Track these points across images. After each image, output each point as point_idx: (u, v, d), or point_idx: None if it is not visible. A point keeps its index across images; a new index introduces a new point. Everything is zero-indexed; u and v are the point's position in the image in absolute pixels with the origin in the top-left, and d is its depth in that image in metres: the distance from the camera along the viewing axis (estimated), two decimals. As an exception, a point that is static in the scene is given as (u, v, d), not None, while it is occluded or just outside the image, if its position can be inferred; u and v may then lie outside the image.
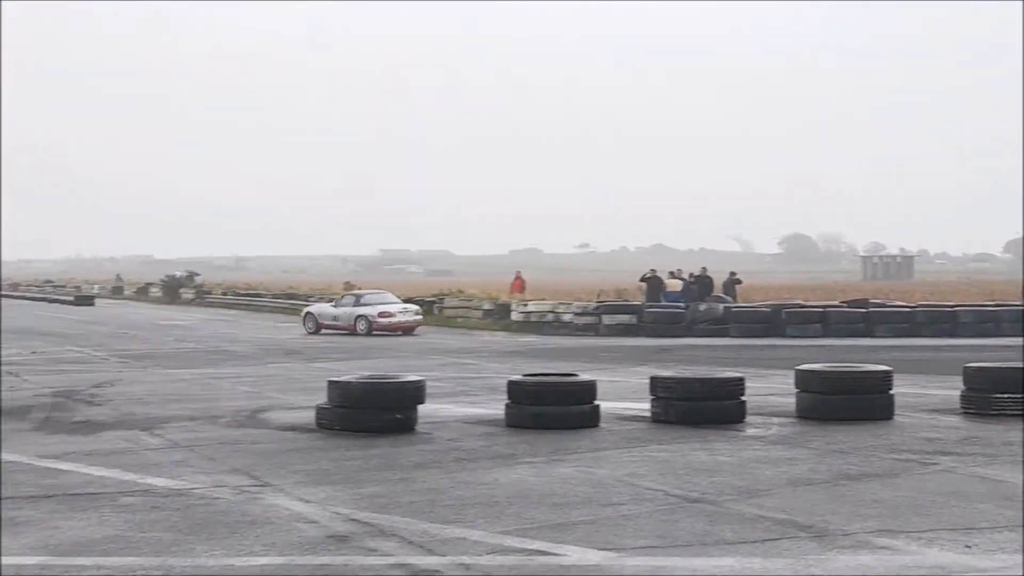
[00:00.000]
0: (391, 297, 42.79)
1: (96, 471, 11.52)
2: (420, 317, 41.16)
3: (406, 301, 43.36)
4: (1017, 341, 32.78)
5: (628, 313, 39.80)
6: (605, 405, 15.29)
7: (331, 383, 14.64)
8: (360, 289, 49.66)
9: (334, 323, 40.40)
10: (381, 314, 39.48)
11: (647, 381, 15.59)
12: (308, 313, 42.41)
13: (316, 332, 40.26)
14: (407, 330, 39.58)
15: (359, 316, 39.71)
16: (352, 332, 39.24)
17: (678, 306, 39.69)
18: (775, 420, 15.16)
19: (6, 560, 7.92)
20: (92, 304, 69.49)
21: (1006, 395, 15.37)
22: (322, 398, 14.87)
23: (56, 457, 12.40)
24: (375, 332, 38.80)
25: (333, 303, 43.10)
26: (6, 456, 12.47)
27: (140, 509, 9.68)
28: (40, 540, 8.55)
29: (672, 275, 43.64)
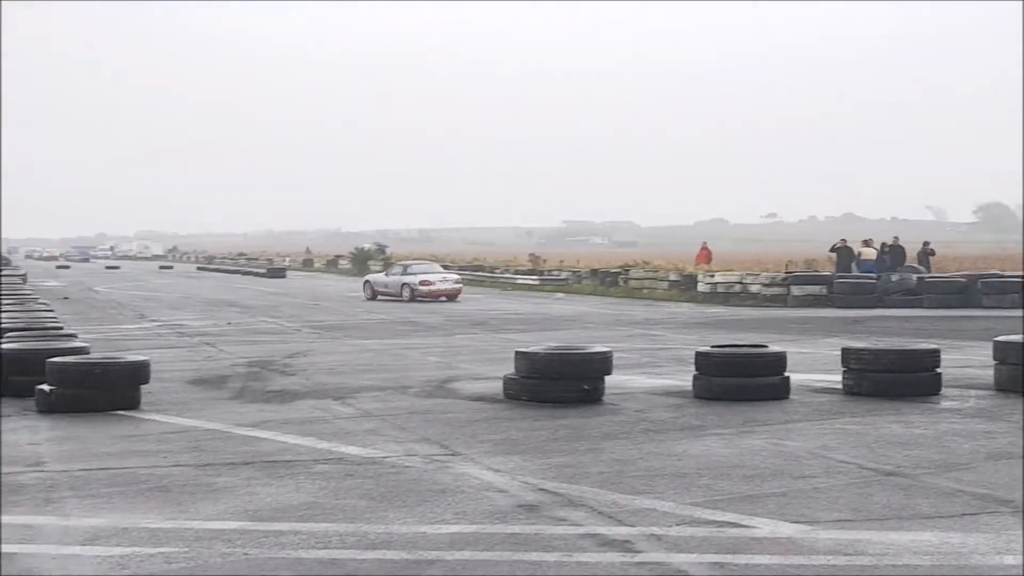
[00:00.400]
0: (435, 268, 46.89)
1: (291, 439, 11.78)
2: (459, 286, 44.35)
3: (591, 272, 43.73)
4: None
5: (818, 284, 39.10)
6: (795, 377, 15.07)
7: (518, 354, 14.70)
8: (543, 259, 49.80)
9: (385, 290, 43.94)
10: (422, 282, 42.81)
11: (838, 353, 15.32)
12: (367, 281, 46.29)
13: (373, 298, 43.67)
14: (450, 296, 42.84)
15: (404, 284, 43.13)
16: (398, 298, 42.47)
17: (869, 277, 38.86)
18: (972, 393, 14.76)
19: (208, 524, 8.14)
20: (284, 276, 71.16)
21: None
22: (509, 369, 14.95)
23: (253, 425, 12.71)
24: (417, 298, 41.83)
25: (385, 273, 47.37)
26: (207, 424, 12.83)
27: (334, 477, 9.86)
28: (239, 506, 8.77)
29: (866, 243, 42.69)
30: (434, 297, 42.30)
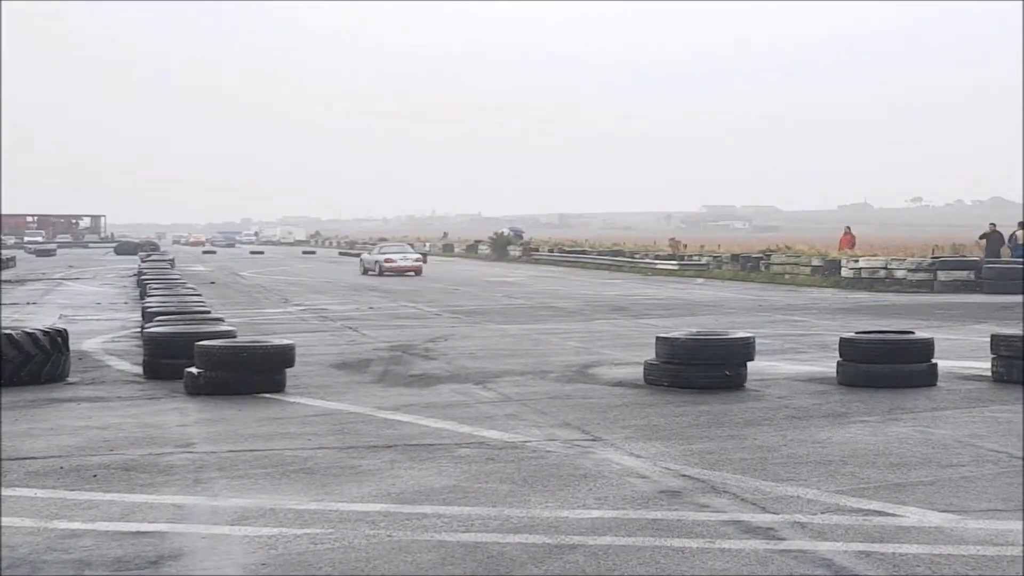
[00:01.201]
0: (404, 247, 57.73)
1: (433, 423, 11.87)
2: (420, 263, 53.54)
3: (732, 257, 43.82)
4: None
5: (965, 269, 38.30)
6: (943, 364, 14.78)
7: (659, 339, 14.63)
8: (683, 244, 49.68)
9: (368, 267, 53.47)
10: (387, 260, 52.02)
11: (987, 339, 14.98)
12: (360, 259, 57.57)
13: (364, 273, 52.99)
14: (415, 271, 51.59)
15: (376, 261, 52.56)
16: (374, 272, 51.54)
17: (1019, 262, 37.96)
18: None
19: (352, 506, 8.25)
20: (424, 262, 71.74)
21: None
22: (649, 354, 14.89)
23: (395, 409, 12.84)
24: (385, 273, 50.71)
25: (370, 252, 57.86)
26: (350, 407, 12.99)
27: (476, 460, 9.92)
28: (382, 488, 8.86)
29: (1022, 225, 41.55)
30: (398, 272, 50.64)
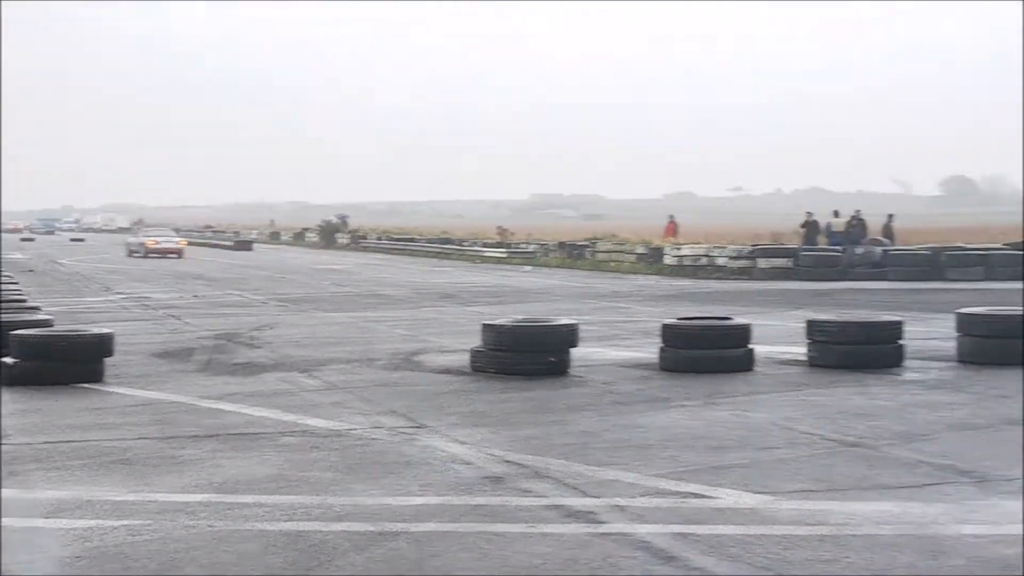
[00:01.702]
0: (166, 231, 66.34)
1: (257, 412, 11.77)
2: (181, 246, 59.82)
3: (559, 244, 44.59)
4: None
5: (784, 256, 39.32)
6: (760, 349, 15.14)
7: (485, 326, 14.72)
8: (511, 232, 50.04)
9: (132, 248, 59.86)
10: (150, 241, 59.14)
11: (803, 325, 15.39)
12: (127, 242, 63.07)
13: (129, 256, 58.37)
14: (176, 253, 58.15)
15: (140, 242, 59.69)
16: (139, 253, 57.84)
17: (835, 249, 39.07)
18: (934, 364, 14.87)
19: (172, 497, 8.14)
20: (250, 249, 71.00)
21: None
22: (476, 341, 14.97)
23: (218, 398, 12.69)
24: (149, 255, 56.93)
25: (134, 234, 65.78)
26: (171, 397, 12.80)
27: (300, 449, 9.86)
28: (204, 478, 8.76)
29: (836, 214, 42.75)
30: (162, 254, 57.24)
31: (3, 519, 7.52)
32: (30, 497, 8.18)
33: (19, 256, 58.49)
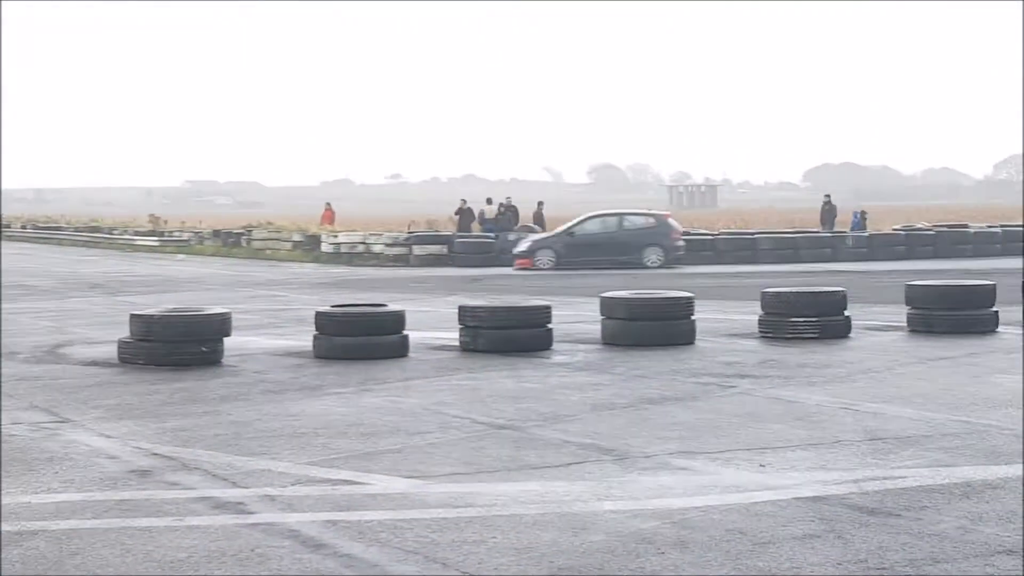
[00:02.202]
0: None
1: None
2: None
3: (214, 233, 44.18)
4: (816, 267, 33.88)
5: (439, 243, 39.83)
6: (415, 335, 15.30)
7: (134, 316, 14.35)
8: (164, 220, 49.36)
9: None
10: None
11: (456, 311, 15.64)
12: None
13: None
14: None
15: None
16: None
17: (488, 237, 39.85)
18: (581, 347, 15.38)
19: None
20: None
21: (801, 319, 15.86)
22: (126, 332, 14.56)
23: None
24: None
25: None
26: None
27: (-68, 448, 9.38)
28: None
29: (489, 201, 43.65)
30: None
31: None
32: None
33: None
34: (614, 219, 37.28)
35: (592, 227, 36.54)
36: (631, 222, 36.84)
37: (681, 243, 35.96)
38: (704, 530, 6.81)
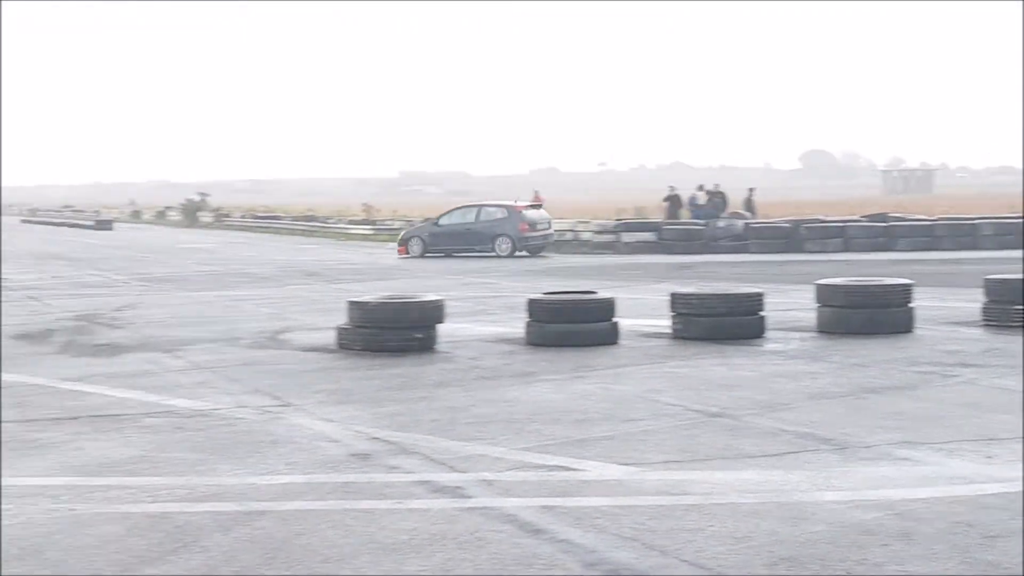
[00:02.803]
0: None
1: (119, 393, 11.58)
2: None
3: (424, 220, 45.18)
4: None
5: (648, 231, 39.66)
6: (625, 322, 15.28)
7: (351, 304, 14.66)
8: (376, 209, 50.37)
9: None
10: None
11: (667, 298, 15.56)
12: None
13: None
14: None
15: None
16: None
17: (697, 223, 39.57)
18: (795, 335, 15.15)
19: (33, 480, 7.98)
20: (111, 228, 69.72)
21: (1028, 307, 15.31)
22: (342, 319, 14.89)
23: (79, 379, 12.47)
24: None
25: None
26: (30, 379, 12.54)
27: (163, 430, 9.74)
28: (65, 461, 8.62)
29: (700, 188, 43.37)
30: None
31: None
32: None
33: None
34: (473, 211, 39.16)
35: (455, 218, 38.79)
36: (487, 213, 38.34)
37: (534, 234, 37.43)
38: (929, 522, 6.65)
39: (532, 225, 37.32)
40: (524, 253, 36.56)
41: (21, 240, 54.17)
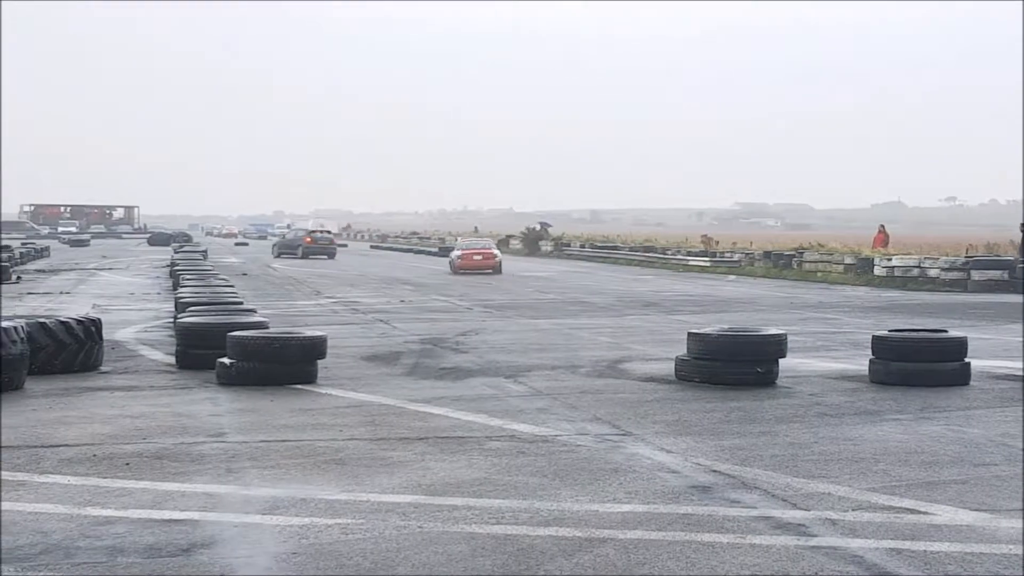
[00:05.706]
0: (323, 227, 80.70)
1: (463, 416, 11.89)
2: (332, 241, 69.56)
3: (764, 254, 44.69)
4: None
5: (999, 269, 38.04)
6: (976, 363, 14.70)
7: (691, 335, 14.61)
8: (715, 241, 50.14)
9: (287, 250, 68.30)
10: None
11: (1020, 339, 14.87)
12: (274, 244, 73.64)
13: (278, 256, 66.39)
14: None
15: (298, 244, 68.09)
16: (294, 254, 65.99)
17: (1054, 261, 37.72)
18: None
19: (383, 497, 8.27)
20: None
21: None
22: (681, 350, 14.87)
23: (426, 401, 12.86)
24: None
25: (284, 236, 77.34)
26: (381, 399, 13.02)
27: (507, 453, 9.93)
28: (413, 480, 8.89)
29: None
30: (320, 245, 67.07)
31: (221, 514, 7.77)
32: (246, 494, 8.41)
33: (233, 260, 60.40)
34: None
35: None
36: None
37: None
38: None
39: None
40: None
41: (372, 265, 56.44)
